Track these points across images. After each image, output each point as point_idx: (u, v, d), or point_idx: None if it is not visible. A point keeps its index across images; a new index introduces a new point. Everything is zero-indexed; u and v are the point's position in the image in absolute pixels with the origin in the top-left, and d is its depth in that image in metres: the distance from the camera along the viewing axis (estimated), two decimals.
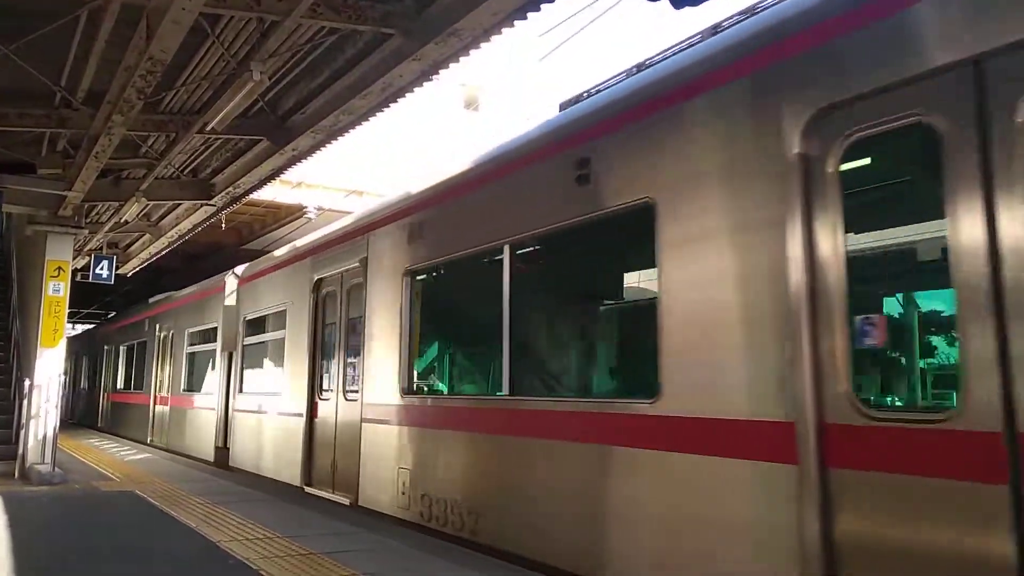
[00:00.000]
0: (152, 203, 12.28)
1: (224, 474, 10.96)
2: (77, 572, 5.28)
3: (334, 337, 9.01)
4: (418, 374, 7.63)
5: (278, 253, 11.35)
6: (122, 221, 12.74)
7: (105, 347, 22.56)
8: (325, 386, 9.16)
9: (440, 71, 7.04)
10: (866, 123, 3.52)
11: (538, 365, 6.37)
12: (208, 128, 8.50)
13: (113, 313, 28.37)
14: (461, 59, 6.78)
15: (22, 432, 10.24)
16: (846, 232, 3.58)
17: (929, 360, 4.24)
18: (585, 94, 5.91)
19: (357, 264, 8.31)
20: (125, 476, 10.30)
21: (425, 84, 7.35)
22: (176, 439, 14.99)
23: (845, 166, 3.64)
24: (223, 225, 15.59)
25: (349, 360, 8.62)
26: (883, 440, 3.31)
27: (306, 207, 16.67)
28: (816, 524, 3.48)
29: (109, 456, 13.26)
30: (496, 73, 22.80)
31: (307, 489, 9.03)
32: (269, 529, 6.50)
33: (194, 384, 14.59)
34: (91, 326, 29.53)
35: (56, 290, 10.91)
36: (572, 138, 5.40)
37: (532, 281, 6.24)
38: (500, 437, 5.89)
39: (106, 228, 13.23)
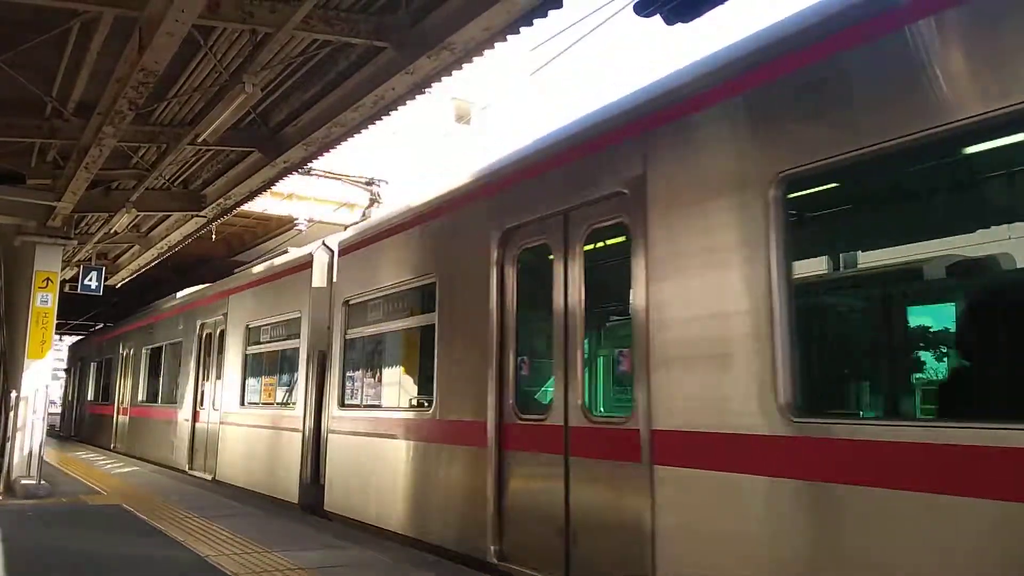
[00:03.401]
0: (142, 214, 12.23)
1: (213, 487, 10.82)
2: None
3: (544, 326, 5.57)
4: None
5: (413, 203, 7.56)
6: (112, 232, 12.68)
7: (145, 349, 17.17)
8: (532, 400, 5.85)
9: (432, 84, 7.06)
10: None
11: None
12: (199, 140, 8.47)
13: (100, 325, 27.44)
14: (454, 72, 6.80)
15: (8, 445, 10.14)
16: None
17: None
18: None
19: (615, 192, 4.87)
20: (113, 490, 10.20)
21: (417, 97, 7.37)
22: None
23: None
24: (213, 236, 15.52)
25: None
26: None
27: (296, 219, 16.64)
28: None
29: (97, 469, 13.14)
30: (488, 87, 22.89)
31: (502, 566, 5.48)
32: (258, 543, 6.45)
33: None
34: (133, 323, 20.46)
35: (44, 301, 10.84)
36: None
37: None
38: None
39: (95, 239, 13.16)
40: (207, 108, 8.19)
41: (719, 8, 4.61)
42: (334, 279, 9.02)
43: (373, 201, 14.12)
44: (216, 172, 11.03)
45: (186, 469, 12.50)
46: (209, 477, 11.55)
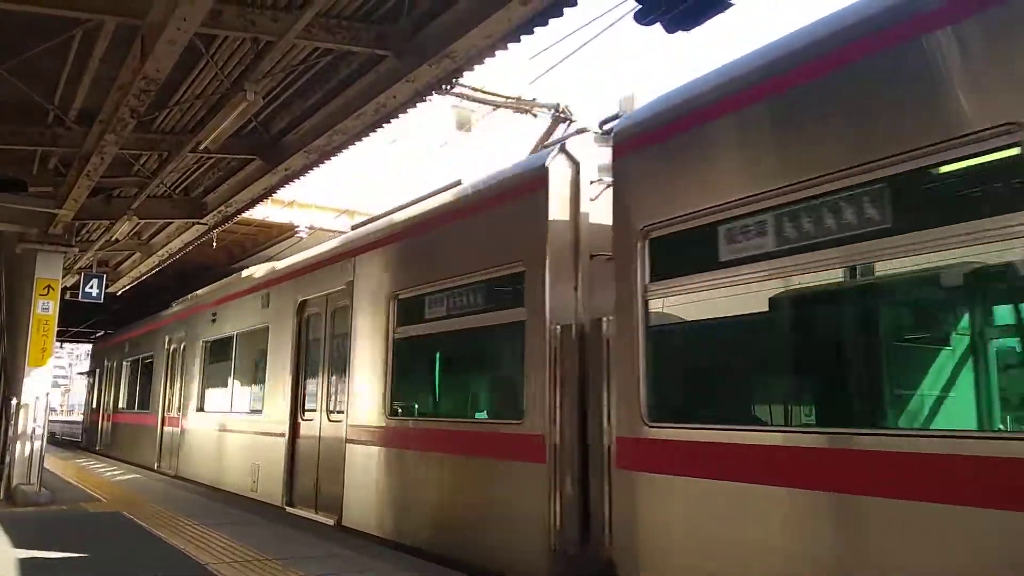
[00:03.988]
0: (143, 221, 12.24)
1: (212, 495, 10.79)
2: None
3: None
4: None
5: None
6: (113, 239, 12.69)
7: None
8: None
9: (433, 92, 7.08)
10: None
11: None
12: (201, 147, 8.50)
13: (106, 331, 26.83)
14: (455, 80, 6.82)
15: (8, 452, 10.14)
16: None
17: None
18: None
19: None
20: (113, 497, 10.18)
21: (418, 105, 7.38)
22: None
23: None
24: (214, 244, 15.54)
25: None
26: None
27: (298, 226, 16.66)
28: None
29: (98, 477, 13.12)
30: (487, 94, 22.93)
31: None
32: (259, 551, 6.43)
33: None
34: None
35: (45, 308, 10.84)
36: None
37: None
38: None
39: (96, 246, 13.17)
40: (209, 116, 8.21)
41: (719, 16, 4.62)
42: (581, 208, 5.87)
43: (558, 119, 9.89)
44: (217, 179, 11.05)
45: (283, 505, 9.24)
46: (331, 521, 8.09)
